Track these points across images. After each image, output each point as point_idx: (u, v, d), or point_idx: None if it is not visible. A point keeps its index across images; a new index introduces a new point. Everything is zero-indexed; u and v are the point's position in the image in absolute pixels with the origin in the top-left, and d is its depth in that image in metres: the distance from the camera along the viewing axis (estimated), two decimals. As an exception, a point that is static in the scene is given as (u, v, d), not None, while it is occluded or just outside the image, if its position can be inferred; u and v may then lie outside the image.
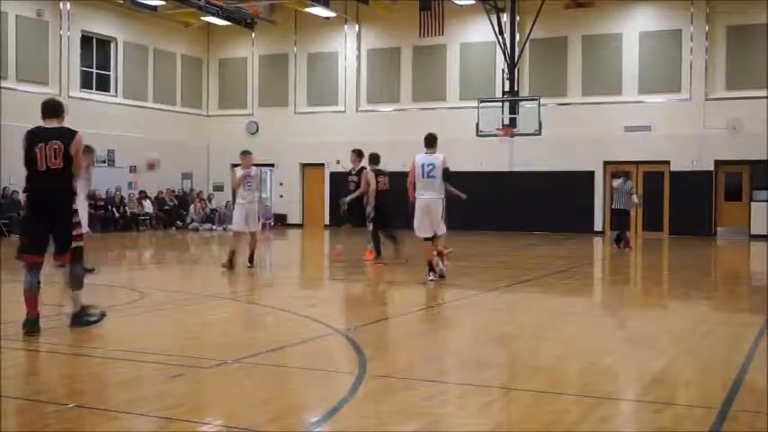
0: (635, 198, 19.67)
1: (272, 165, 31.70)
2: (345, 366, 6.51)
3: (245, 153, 14.26)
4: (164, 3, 27.49)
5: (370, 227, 15.77)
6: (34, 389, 5.93)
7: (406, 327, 8.73)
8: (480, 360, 6.92)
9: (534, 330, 8.59)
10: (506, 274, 14.23)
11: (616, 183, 19.50)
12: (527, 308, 10.49)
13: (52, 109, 7.65)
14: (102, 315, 7.87)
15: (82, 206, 13.33)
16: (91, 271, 12.87)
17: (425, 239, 12.13)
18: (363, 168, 15.36)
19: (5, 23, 24.94)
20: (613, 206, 19.56)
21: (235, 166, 14.45)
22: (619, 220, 19.51)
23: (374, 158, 16.23)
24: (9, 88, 23.59)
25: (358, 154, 15.58)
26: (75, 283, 7.73)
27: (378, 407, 5.31)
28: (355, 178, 15.33)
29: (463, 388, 5.92)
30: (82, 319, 7.69)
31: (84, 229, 13.41)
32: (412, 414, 5.14)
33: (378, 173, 16.19)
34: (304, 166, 30.95)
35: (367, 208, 15.14)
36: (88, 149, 13.55)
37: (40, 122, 7.62)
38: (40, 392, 5.77)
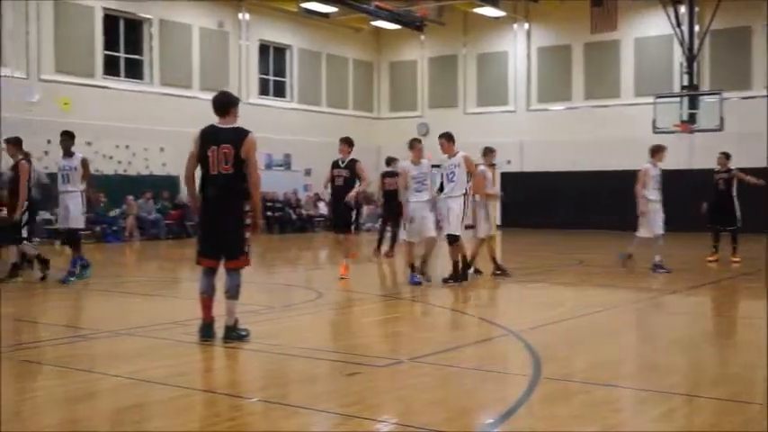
0: None
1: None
2: (519, 368, 6.45)
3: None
4: (335, 9, 28.20)
5: (379, 224, 15.19)
6: (220, 384, 6.24)
7: (581, 329, 8.54)
8: (660, 365, 6.68)
9: (718, 335, 8.21)
10: (686, 277, 13.63)
11: None
12: (709, 312, 10.04)
13: (222, 106, 7.41)
14: (248, 334, 7.44)
15: (482, 210, 12.89)
16: (479, 273, 12.92)
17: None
18: (355, 161, 12.88)
19: (190, 35, 26.36)
20: None
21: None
22: None
23: (389, 161, 16.73)
24: (193, 97, 24.83)
25: (348, 143, 13.05)
26: (233, 292, 7.35)
27: (553, 410, 5.23)
28: (345, 172, 12.83)
29: (642, 394, 5.75)
30: (235, 333, 7.33)
31: (489, 232, 13.01)
32: (588, 418, 5.03)
33: (387, 174, 16.61)
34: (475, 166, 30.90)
35: (365, 209, 14.07)
36: (489, 151, 13.36)
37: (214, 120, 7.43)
38: (226, 387, 6.05)
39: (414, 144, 12.11)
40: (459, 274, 11.86)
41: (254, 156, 7.27)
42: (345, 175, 12.78)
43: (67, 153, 12.22)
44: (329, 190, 13.48)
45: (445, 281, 11.83)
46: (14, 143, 12.41)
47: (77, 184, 12.16)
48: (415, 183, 11.85)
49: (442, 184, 12.02)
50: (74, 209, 12.11)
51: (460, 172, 11.92)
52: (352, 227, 13.20)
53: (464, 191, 11.95)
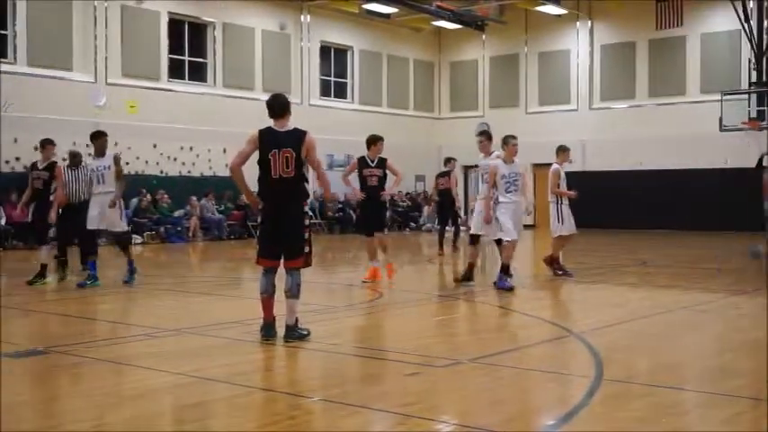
0: None
1: (504, 165, 31.70)
2: (581, 369, 6.37)
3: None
4: (396, 10, 28.24)
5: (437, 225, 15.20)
6: (281, 383, 6.29)
7: (643, 330, 8.40)
8: (726, 368, 6.53)
9: (787, 338, 7.97)
10: (754, 277, 13.32)
11: None
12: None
13: (282, 108, 7.44)
14: (309, 333, 7.49)
15: (554, 208, 12.83)
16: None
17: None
18: (384, 159, 12.29)
19: (252, 38, 26.68)
20: None
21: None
22: None
23: (446, 161, 17.46)
24: (255, 99, 25.09)
25: (382, 141, 12.40)
26: (294, 291, 7.40)
27: (615, 412, 5.15)
28: (378, 171, 12.21)
29: (707, 397, 5.62)
30: (295, 332, 7.38)
31: (561, 231, 12.77)
32: (652, 421, 4.94)
33: (441, 174, 17.21)
34: (536, 166, 30.64)
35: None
36: (563, 149, 13.12)
37: (271, 123, 7.44)
38: (286, 386, 6.10)
39: (508, 141, 11.32)
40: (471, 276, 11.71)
41: (314, 154, 7.41)
42: (379, 174, 12.22)
43: (101, 153, 11.80)
44: (356, 187, 12.52)
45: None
46: (52, 144, 12.43)
47: (113, 184, 11.65)
48: (505, 182, 11.06)
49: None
50: (113, 211, 11.65)
51: None
52: (386, 228, 12.77)
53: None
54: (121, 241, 12.33)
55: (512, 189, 11.06)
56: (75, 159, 12.61)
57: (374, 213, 12.30)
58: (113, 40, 22.95)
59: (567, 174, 13.40)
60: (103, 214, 11.65)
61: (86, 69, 22.44)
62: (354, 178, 12.52)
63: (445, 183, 17.30)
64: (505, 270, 11.08)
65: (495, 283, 11.23)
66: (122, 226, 12.10)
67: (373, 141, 12.35)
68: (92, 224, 11.71)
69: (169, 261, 18.06)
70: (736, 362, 6.82)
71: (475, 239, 11.75)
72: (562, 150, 13.21)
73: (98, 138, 11.88)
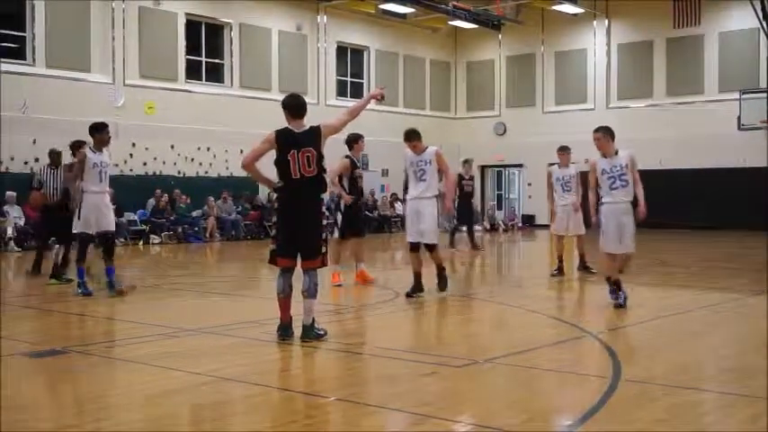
0: None
1: (520, 165, 31.64)
2: (598, 370, 6.35)
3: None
4: (412, 10, 28.22)
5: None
6: (298, 382, 6.30)
7: (661, 330, 8.36)
8: (746, 368, 6.49)
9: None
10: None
11: None
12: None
13: (301, 109, 7.45)
14: (326, 333, 7.48)
15: None
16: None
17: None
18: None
19: (269, 39, 26.74)
20: None
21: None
22: None
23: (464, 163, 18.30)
24: (272, 99, 25.16)
25: (363, 138, 11.80)
26: (311, 291, 7.37)
27: (635, 413, 5.12)
28: (362, 172, 11.92)
29: (727, 398, 5.59)
30: (312, 332, 7.37)
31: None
32: (671, 422, 4.92)
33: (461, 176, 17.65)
34: (552, 166, 30.51)
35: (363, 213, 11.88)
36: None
37: (288, 123, 7.40)
38: (304, 386, 6.11)
39: (609, 133, 9.98)
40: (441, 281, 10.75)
41: (331, 128, 7.57)
42: (362, 174, 11.78)
43: (101, 147, 10.68)
44: (341, 189, 11.55)
45: (442, 289, 10.75)
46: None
47: (108, 183, 10.84)
48: (608, 178, 9.50)
49: (406, 185, 10.75)
50: (109, 211, 10.84)
51: (432, 170, 10.39)
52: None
53: (437, 192, 10.50)
54: (111, 242, 11.08)
55: (617, 186, 9.45)
56: (58, 159, 12.35)
57: (360, 216, 11.86)
58: (131, 42, 23.06)
59: (585, 174, 13.39)
60: (101, 216, 10.64)
61: (104, 71, 22.56)
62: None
63: (470, 184, 18.85)
64: (616, 284, 9.63)
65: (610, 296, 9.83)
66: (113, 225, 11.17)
67: (355, 140, 11.63)
68: (86, 228, 10.60)
69: (187, 261, 18.13)
70: (753, 362, 6.77)
71: (432, 248, 10.53)
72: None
73: (101, 130, 10.71)
